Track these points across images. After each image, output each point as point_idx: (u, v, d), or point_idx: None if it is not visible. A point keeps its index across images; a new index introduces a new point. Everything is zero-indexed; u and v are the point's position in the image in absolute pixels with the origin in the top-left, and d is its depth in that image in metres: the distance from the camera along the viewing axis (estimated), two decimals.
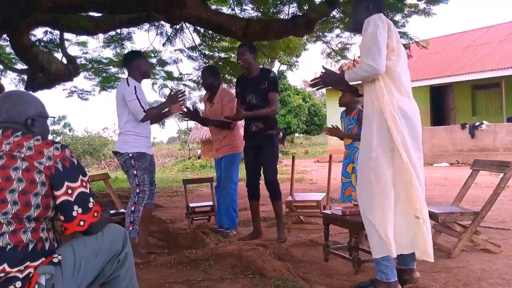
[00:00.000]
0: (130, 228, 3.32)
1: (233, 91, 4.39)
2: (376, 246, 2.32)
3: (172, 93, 3.66)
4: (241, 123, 4.28)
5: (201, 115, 4.47)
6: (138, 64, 3.53)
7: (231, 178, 4.27)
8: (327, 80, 2.63)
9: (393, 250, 2.28)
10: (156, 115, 3.57)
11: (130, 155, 3.41)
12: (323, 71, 2.65)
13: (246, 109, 3.99)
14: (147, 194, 3.44)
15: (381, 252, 2.31)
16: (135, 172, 3.41)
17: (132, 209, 3.37)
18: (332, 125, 3.74)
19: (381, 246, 2.30)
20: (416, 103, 2.46)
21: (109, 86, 8.02)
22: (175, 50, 6.93)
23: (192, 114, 4.29)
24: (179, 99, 3.61)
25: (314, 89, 2.85)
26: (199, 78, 7.07)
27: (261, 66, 4.35)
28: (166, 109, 3.62)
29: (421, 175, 2.35)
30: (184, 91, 3.83)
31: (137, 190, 3.39)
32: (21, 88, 7.81)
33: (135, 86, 3.44)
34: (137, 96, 3.41)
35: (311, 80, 2.74)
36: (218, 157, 4.39)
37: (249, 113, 3.88)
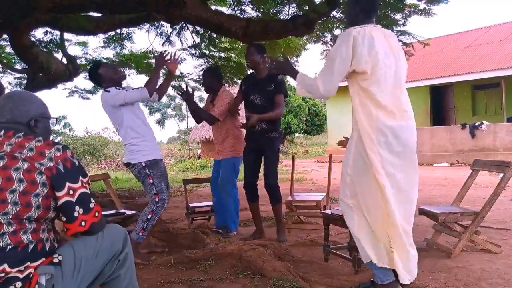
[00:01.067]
0: (140, 234, 3.30)
1: (235, 90, 4.38)
2: (361, 253, 2.40)
3: (157, 55, 3.58)
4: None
5: (195, 100, 4.32)
6: (101, 76, 3.38)
7: (231, 182, 4.26)
8: (280, 66, 2.66)
9: (373, 257, 2.32)
10: (156, 81, 3.44)
11: (143, 164, 3.35)
12: (282, 60, 2.64)
13: (250, 109, 3.98)
14: (166, 202, 3.38)
15: (364, 259, 2.38)
16: (151, 181, 3.34)
17: (149, 217, 3.32)
18: (344, 137, 3.72)
19: (363, 254, 2.36)
20: (407, 118, 2.33)
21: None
22: (177, 50, 6.94)
23: (187, 94, 4.17)
24: (165, 57, 3.53)
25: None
26: (200, 77, 7.07)
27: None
28: (166, 75, 3.55)
29: (411, 194, 2.31)
30: (166, 50, 3.73)
31: (156, 199, 3.34)
32: (19, 89, 7.81)
33: (114, 87, 3.34)
34: (123, 89, 3.35)
35: (267, 61, 2.72)
36: (219, 159, 4.39)
37: (261, 116, 3.81)
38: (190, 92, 4.20)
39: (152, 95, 3.44)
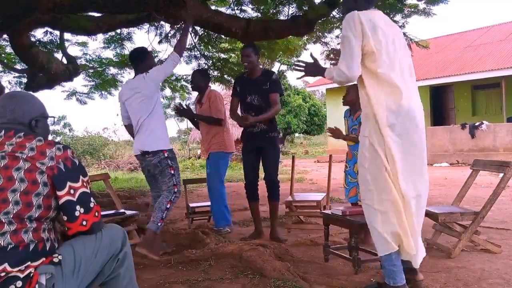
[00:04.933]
0: (159, 224, 3.37)
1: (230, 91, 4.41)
2: (378, 245, 2.35)
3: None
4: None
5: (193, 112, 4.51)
6: (144, 61, 3.55)
7: (219, 176, 4.30)
8: (309, 70, 2.68)
9: (393, 246, 2.30)
10: (186, 41, 3.63)
11: (166, 154, 3.44)
12: (311, 61, 2.68)
13: (246, 110, 3.99)
14: (180, 193, 3.52)
15: (384, 250, 2.32)
16: (172, 172, 3.44)
17: (168, 206, 3.40)
18: (334, 127, 3.74)
19: (383, 245, 2.31)
20: (414, 99, 2.39)
21: (107, 90, 8.00)
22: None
23: (184, 111, 4.35)
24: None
25: (298, 76, 2.88)
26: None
27: (262, 67, 4.35)
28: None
29: (413, 181, 2.32)
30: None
31: (175, 190, 3.44)
32: (18, 90, 7.79)
33: (146, 73, 3.45)
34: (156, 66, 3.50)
35: (296, 64, 2.74)
36: (207, 155, 4.42)
37: (258, 118, 3.81)
38: (186, 108, 4.37)
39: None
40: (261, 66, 4.18)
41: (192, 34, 6.27)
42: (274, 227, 3.99)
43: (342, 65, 2.34)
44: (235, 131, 15.38)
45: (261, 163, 4.03)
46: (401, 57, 2.40)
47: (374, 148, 2.32)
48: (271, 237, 3.92)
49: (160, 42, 6.34)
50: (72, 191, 1.58)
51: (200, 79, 4.43)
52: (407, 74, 2.42)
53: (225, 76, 7.15)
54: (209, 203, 4.87)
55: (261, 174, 4.10)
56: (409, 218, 2.30)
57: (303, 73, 2.71)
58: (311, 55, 2.74)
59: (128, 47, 6.77)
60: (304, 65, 2.69)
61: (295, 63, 2.75)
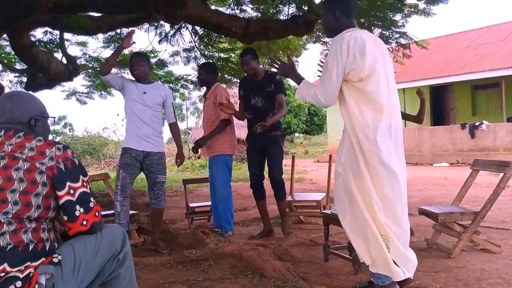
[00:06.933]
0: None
1: (234, 90, 4.40)
2: (357, 252, 2.38)
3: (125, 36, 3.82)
4: (241, 123, 4.33)
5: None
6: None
7: (224, 181, 4.25)
8: (283, 70, 2.66)
9: (367, 260, 2.32)
10: (113, 62, 3.78)
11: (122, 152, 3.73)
12: (287, 62, 2.65)
13: (251, 112, 4.05)
14: (119, 189, 3.63)
15: (361, 258, 2.37)
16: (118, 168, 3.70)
17: (115, 204, 3.66)
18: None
19: (360, 254, 2.35)
20: (398, 117, 2.37)
21: (107, 90, 8.01)
22: (173, 53, 6.93)
23: (196, 146, 4.50)
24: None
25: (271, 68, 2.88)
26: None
27: (265, 69, 4.37)
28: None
29: (403, 194, 2.31)
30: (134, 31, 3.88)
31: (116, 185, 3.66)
32: (19, 89, 7.78)
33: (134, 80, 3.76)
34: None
35: (271, 59, 2.77)
36: (209, 156, 4.41)
37: (270, 120, 3.80)
38: (195, 146, 4.50)
39: (105, 76, 3.64)
40: (261, 67, 4.20)
41: (193, 34, 6.27)
42: (284, 225, 4.06)
43: (319, 90, 2.34)
44: (237, 131, 15.35)
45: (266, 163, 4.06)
46: (389, 73, 2.37)
47: (345, 167, 2.33)
48: (284, 232, 4.04)
49: (160, 42, 6.34)
50: (71, 191, 1.58)
51: (206, 73, 4.39)
52: (393, 89, 2.38)
53: (225, 75, 7.15)
54: (209, 203, 4.87)
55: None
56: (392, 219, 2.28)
57: (276, 71, 2.76)
58: (288, 57, 2.73)
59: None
60: (279, 63, 2.67)
61: (272, 58, 2.76)
